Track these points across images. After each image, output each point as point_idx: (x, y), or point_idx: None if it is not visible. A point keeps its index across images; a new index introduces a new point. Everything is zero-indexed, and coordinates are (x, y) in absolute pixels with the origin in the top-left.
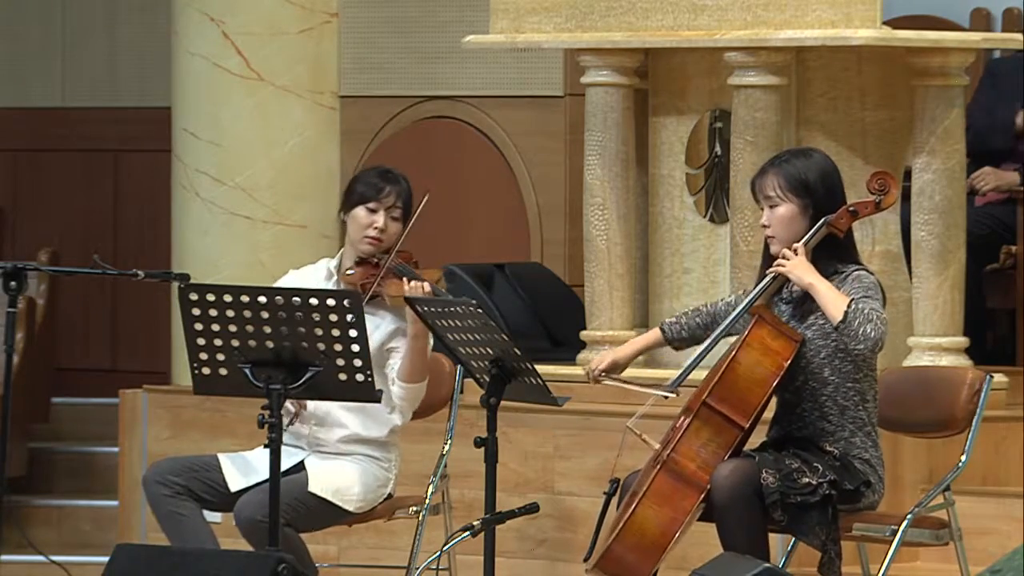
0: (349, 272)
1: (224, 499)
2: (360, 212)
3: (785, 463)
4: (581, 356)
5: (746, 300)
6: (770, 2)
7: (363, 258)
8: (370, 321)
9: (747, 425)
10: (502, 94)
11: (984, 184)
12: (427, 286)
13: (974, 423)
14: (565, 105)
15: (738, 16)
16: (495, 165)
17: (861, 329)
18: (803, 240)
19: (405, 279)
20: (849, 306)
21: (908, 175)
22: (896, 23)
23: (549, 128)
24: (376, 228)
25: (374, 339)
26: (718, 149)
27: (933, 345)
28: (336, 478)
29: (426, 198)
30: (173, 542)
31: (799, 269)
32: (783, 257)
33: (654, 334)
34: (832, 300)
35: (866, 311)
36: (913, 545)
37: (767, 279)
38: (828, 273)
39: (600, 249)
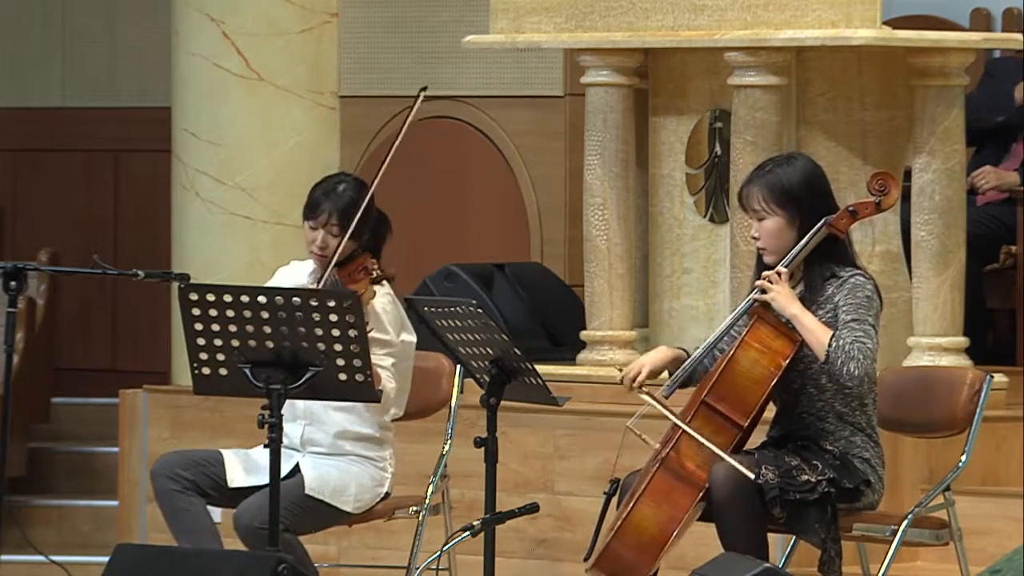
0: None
1: (226, 495)
2: (305, 227)
3: (784, 460)
4: (581, 356)
5: (730, 318)
6: (770, 2)
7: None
8: None
9: (746, 424)
10: (502, 94)
11: (985, 183)
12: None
13: (974, 423)
14: (565, 105)
15: (738, 16)
16: (495, 165)
17: (844, 368)
18: (794, 250)
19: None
20: (830, 344)
21: (908, 175)
22: (896, 23)
23: (549, 128)
24: (316, 245)
25: None
26: (718, 149)
27: (933, 345)
28: (332, 479)
29: (421, 96)
30: (177, 537)
31: (781, 298)
32: (767, 280)
33: (680, 352)
34: (815, 334)
35: (846, 347)
36: (913, 545)
37: (748, 300)
38: (825, 277)
39: (600, 249)
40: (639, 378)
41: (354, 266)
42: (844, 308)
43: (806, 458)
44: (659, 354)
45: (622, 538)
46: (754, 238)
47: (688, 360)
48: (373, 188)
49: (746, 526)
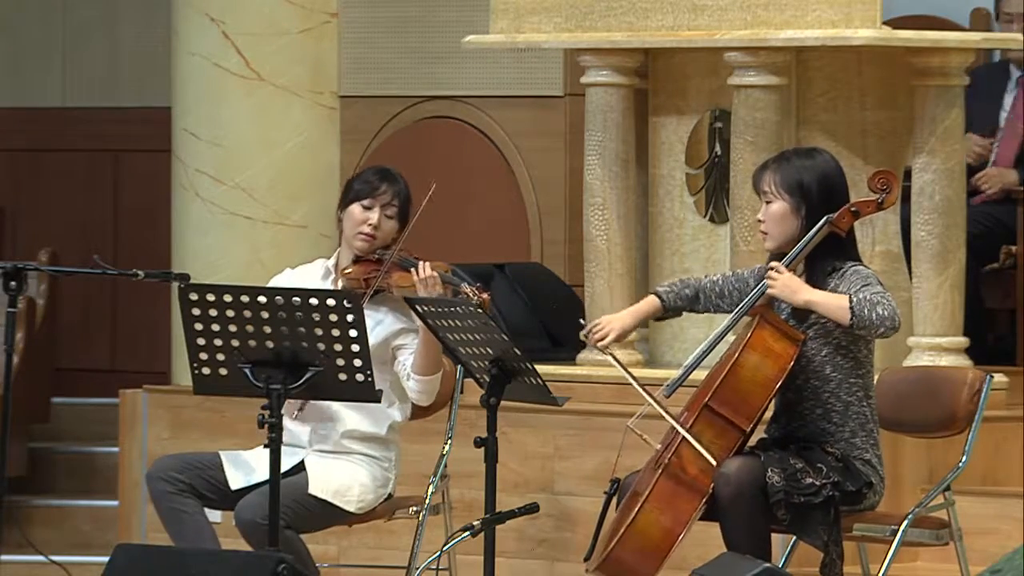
0: (348, 270)
1: (225, 498)
2: (355, 209)
3: (790, 463)
4: (581, 356)
5: (738, 309)
6: (770, 2)
7: (360, 256)
8: (371, 318)
9: (749, 428)
10: (502, 94)
11: (989, 187)
12: (428, 268)
13: (974, 423)
14: (565, 105)
15: (738, 16)
16: (495, 165)
17: (872, 314)
18: (796, 248)
19: (412, 269)
20: (851, 301)
21: (908, 175)
22: (896, 23)
23: (549, 128)
24: (370, 224)
25: (375, 336)
26: (718, 149)
27: (933, 345)
28: (336, 479)
29: (432, 189)
30: (174, 539)
31: (789, 289)
32: (769, 277)
33: (652, 302)
34: (835, 305)
35: (868, 296)
36: (913, 545)
37: (757, 291)
38: (826, 271)
39: (600, 249)
40: (605, 341)
41: (408, 250)
42: (850, 287)
43: (810, 460)
44: (629, 317)
45: (626, 544)
46: (759, 221)
47: (691, 357)
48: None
49: (751, 525)
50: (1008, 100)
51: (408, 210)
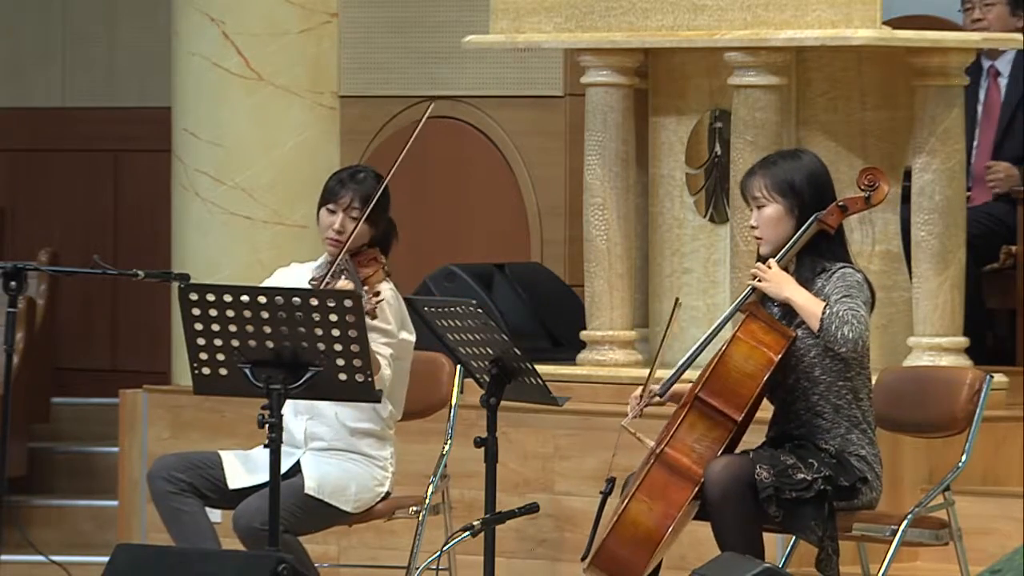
0: (313, 280)
1: (226, 496)
2: (322, 213)
3: (780, 459)
4: (581, 356)
5: (729, 309)
6: (770, 2)
7: (332, 259)
8: None
9: (739, 418)
10: (502, 94)
11: (997, 185)
12: (345, 286)
13: (974, 423)
14: (565, 105)
15: (738, 16)
16: (495, 165)
17: (839, 333)
18: (788, 244)
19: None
20: (824, 312)
21: (908, 175)
22: (896, 23)
23: (549, 128)
24: (333, 230)
25: None
26: (718, 149)
27: (933, 345)
28: (332, 479)
29: (429, 110)
30: (175, 538)
31: (774, 284)
32: (758, 270)
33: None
34: (809, 309)
35: (841, 313)
36: (913, 545)
37: (746, 291)
38: (816, 271)
39: (600, 249)
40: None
41: (366, 255)
42: (833, 293)
43: (802, 456)
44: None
45: (617, 535)
46: (752, 227)
47: (684, 357)
48: (388, 179)
49: (741, 522)
50: (982, 92)
51: (378, 208)
